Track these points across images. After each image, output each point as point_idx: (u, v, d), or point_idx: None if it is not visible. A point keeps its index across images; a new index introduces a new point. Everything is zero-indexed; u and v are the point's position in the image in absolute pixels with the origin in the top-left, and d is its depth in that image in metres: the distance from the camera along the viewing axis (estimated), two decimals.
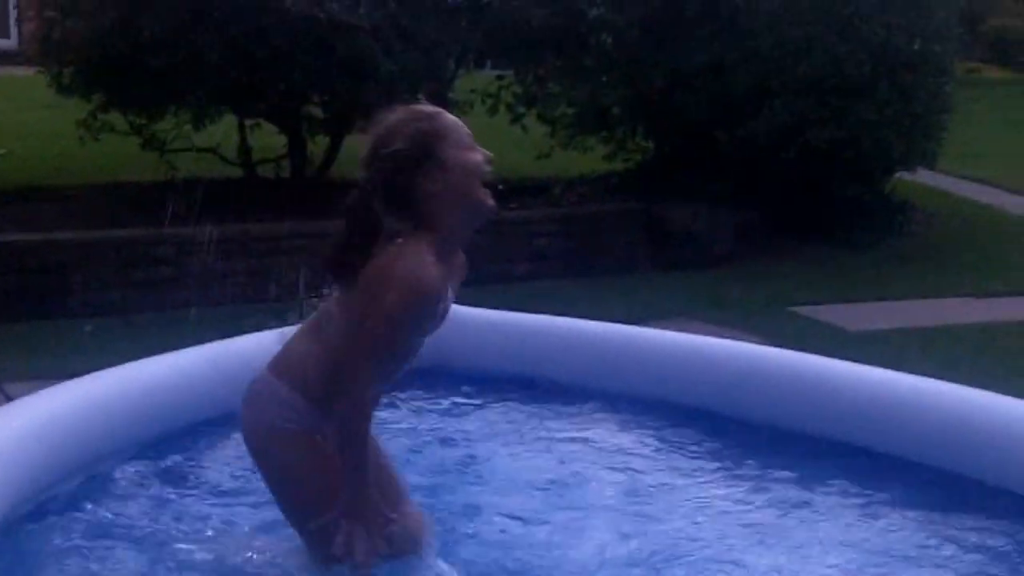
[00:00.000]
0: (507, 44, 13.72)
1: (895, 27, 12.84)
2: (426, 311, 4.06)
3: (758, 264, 12.66)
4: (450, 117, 4.23)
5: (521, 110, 13.69)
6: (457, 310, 4.40)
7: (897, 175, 14.32)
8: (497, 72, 14.35)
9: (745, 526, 5.09)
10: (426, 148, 4.08)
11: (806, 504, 5.33)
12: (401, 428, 5.97)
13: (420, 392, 6.32)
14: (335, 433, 4.07)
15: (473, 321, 6.58)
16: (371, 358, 3.99)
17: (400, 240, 4.05)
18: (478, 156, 4.18)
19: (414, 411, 6.31)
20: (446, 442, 6.04)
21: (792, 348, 7.06)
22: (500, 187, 4.33)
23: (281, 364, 4.25)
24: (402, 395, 6.11)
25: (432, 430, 6.17)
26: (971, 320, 10.37)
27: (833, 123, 12.58)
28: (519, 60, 13.94)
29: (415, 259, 3.99)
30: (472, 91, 13.43)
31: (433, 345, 4.32)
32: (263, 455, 4.26)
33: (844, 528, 5.10)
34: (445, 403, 6.50)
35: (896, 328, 10.05)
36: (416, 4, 12.05)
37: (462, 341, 6.23)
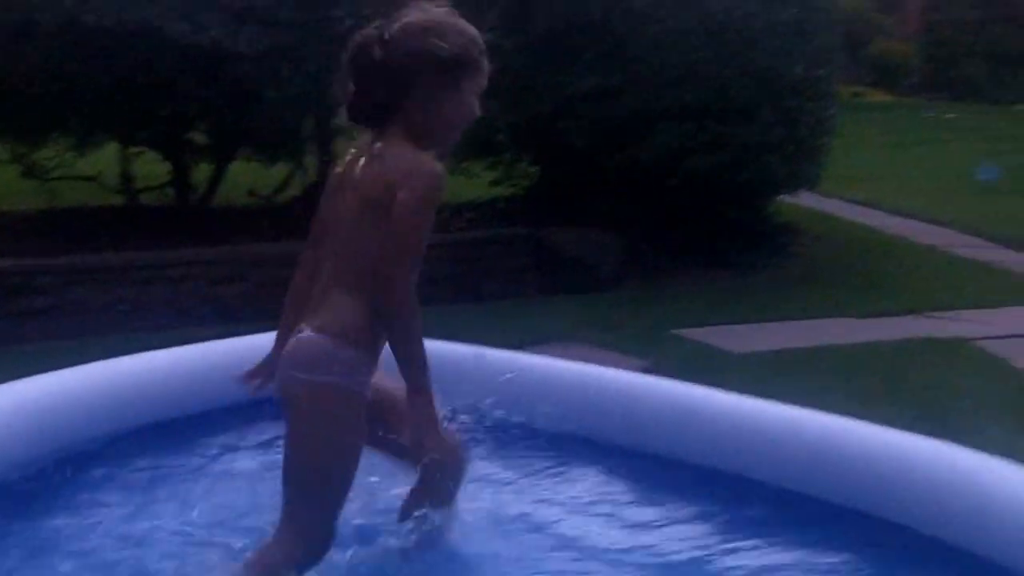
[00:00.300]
0: None
1: (778, 52, 12.93)
2: (439, 199, 4.16)
3: (645, 288, 12.72)
4: (487, 63, 4.25)
5: None
6: None
7: (779, 198, 14.46)
8: None
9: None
10: (458, 67, 4.12)
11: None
12: None
13: None
14: (391, 342, 4.30)
15: None
16: (406, 252, 4.23)
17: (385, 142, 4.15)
18: (478, 108, 4.24)
19: None
20: None
21: (677, 371, 7.10)
22: None
23: (318, 320, 4.21)
24: None
25: None
26: (855, 340, 10.43)
27: (716, 148, 12.64)
28: None
29: (419, 153, 4.09)
30: None
31: None
32: (296, 409, 4.19)
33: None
34: None
35: (781, 349, 10.08)
36: (302, 30, 11.97)
37: None
